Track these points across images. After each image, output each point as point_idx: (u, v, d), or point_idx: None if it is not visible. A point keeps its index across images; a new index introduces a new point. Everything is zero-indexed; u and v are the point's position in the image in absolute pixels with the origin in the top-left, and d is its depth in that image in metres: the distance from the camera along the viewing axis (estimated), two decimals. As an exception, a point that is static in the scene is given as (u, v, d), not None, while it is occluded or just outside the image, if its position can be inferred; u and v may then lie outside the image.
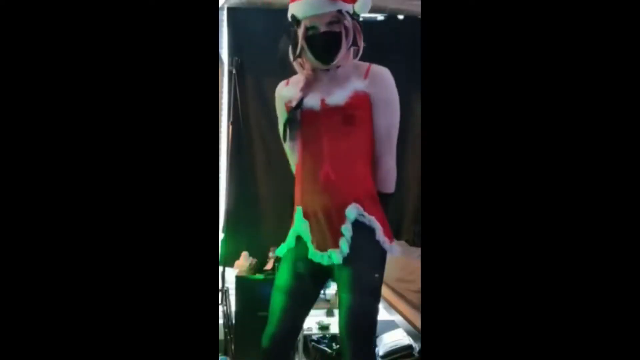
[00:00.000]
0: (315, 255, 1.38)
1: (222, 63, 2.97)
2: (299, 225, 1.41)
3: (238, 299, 2.62)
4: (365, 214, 1.34)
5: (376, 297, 1.38)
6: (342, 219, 1.34)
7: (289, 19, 1.36)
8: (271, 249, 2.78)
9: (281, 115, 1.48)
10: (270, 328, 1.41)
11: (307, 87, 1.40)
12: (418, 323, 1.75)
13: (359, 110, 1.35)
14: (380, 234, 1.35)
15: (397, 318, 1.99)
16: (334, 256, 1.34)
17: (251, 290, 2.64)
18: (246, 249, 2.81)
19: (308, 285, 1.43)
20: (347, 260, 1.33)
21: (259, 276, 2.71)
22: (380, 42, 3.08)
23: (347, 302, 1.32)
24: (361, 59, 1.43)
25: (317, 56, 1.34)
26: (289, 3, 1.35)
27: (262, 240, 2.89)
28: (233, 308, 2.66)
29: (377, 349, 2.78)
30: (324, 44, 1.32)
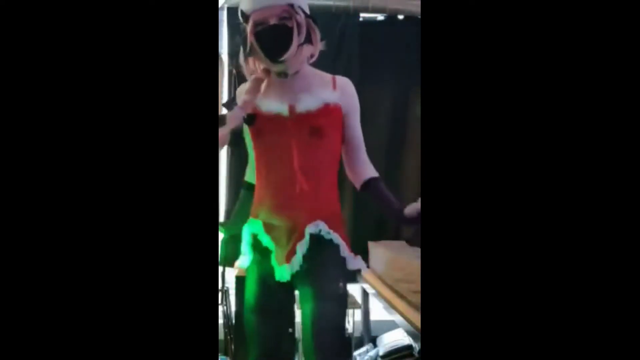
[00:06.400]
0: (277, 270, 1.31)
1: (222, 63, 2.97)
2: (264, 238, 1.35)
3: (238, 299, 2.62)
4: (330, 231, 1.30)
5: (341, 306, 1.32)
6: (301, 235, 1.29)
7: (239, 16, 1.25)
8: None
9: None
10: (252, 352, 1.32)
11: (266, 92, 1.31)
12: (418, 323, 1.75)
13: (330, 121, 1.30)
14: (344, 250, 1.32)
15: (397, 318, 1.99)
16: (285, 272, 1.29)
17: (251, 291, 2.63)
18: (246, 249, 2.81)
19: (278, 300, 1.34)
20: (306, 275, 1.29)
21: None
22: (380, 42, 3.09)
23: (311, 315, 1.26)
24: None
25: (265, 51, 1.22)
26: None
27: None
28: (233, 308, 2.66)
29: (377, 349, 2.78)
30: (273, 38, 1.20)
